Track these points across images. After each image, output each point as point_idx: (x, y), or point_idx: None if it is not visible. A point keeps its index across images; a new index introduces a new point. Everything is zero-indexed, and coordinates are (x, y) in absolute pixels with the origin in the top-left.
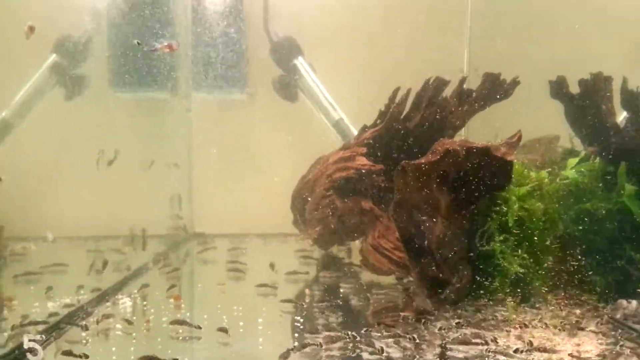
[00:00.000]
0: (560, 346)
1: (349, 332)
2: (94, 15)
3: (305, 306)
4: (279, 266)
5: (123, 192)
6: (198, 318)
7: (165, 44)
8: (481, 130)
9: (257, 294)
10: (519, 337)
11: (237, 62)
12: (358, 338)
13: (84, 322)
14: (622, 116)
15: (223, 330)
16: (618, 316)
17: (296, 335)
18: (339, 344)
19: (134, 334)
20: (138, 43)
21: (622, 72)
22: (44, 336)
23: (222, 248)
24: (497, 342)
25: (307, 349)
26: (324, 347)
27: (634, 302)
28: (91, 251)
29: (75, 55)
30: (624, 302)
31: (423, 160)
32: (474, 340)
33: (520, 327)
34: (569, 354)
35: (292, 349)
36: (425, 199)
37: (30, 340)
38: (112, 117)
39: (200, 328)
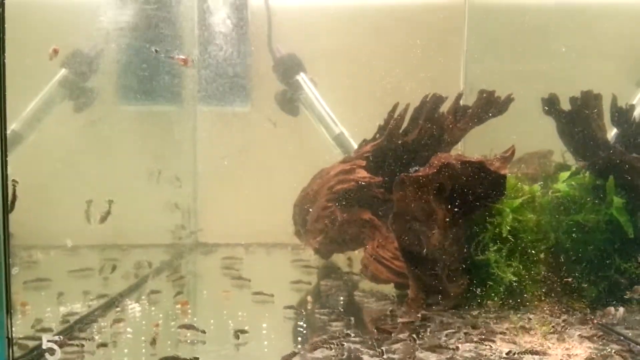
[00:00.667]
0: (551, 350)
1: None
2: (102, 31)
3: (304, 313)
4: (278, 275)
5: (130, 202)
6: (205, 323)
7: (182, 57)
8: (479, 145)
9: (258, 301)
10: (512, 341)
11: (241, 77)
12: (358, 342)
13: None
14: (613, 132)
15: (242, 332)
16: (605, 322)
17: (298, 339)
18: (338, 348)
19: (143, 338)
20: (156, 50)
21: (615, 89)
22: (62, 337)
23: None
24: (491, 346)
25: (313, 352)
26: (326, 350)
27: (621, 309)
28: (101, 259)
29: (84, 69)
30: (611, 309)
31: (421, 173)
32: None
33: (513, 333)
34: (560, 357)
35: (297, 352)
36: (423, 210)
37: (48, 341)
38: (119, 129)
39: (204, 332)
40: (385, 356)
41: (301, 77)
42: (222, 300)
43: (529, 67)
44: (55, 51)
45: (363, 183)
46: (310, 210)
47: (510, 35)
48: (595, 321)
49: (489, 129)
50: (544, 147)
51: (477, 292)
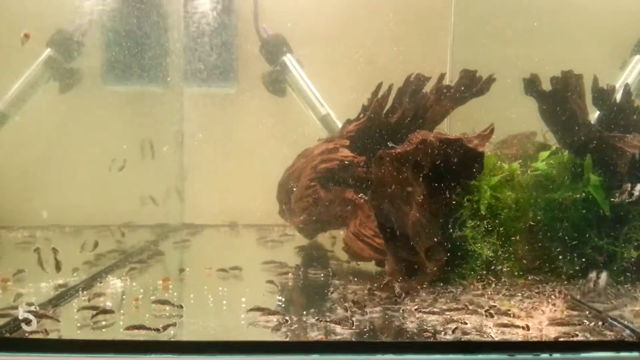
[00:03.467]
0: (520, 323)
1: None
2: (87, 10)
3: (283, 288)
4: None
5: (115, 183)
6: (186, 298)
7: None
8: (466, 127)
9: (238, 277)
10: (480, 310)
11: (227, 58)
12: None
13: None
14: (597, 113)
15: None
16: (581, 295)
17: (277, 313)
18: (316, 319)
19: (122, 311)
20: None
21: (599, 72)
22: (38, 307)
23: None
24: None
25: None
26: (304, 320)
27: (604, 274)
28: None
29: (69, 49)
30: (593, 274)
31: (399, 150)
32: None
33: (485, 305)
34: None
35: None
36: (401, 187)
37: (25, 312)
38: (104, 110)
39: (182, 307)
40: (354, 328)
41: (288, 58)
42: (205, 277)
43: (515, 49)
44: (27, 36)
45: (346, 162)
46: (294, 189)
47: (499, 17)
48: (569, 297)
49: (476, 111)
50: (533, 128)
51: (455, 268)
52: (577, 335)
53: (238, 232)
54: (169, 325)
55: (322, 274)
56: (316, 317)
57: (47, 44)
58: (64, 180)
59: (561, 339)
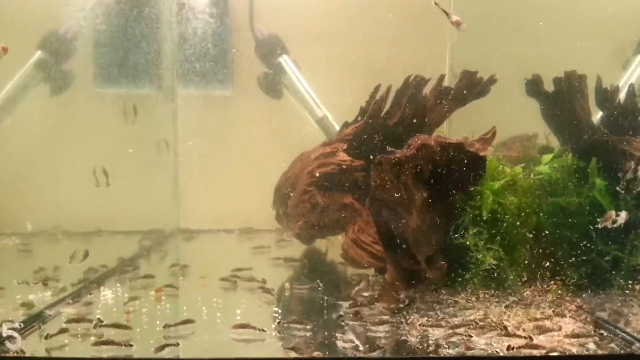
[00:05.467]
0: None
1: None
2: (78, 12)
3: (277, 297)
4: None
5: (108, 188)
6: (179, 310)
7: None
8: (466, 129)
9: (230, 288)
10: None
11: (222, 59)
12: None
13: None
14: (599, 114)
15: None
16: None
17: (273, 326)
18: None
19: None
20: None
21: (602, 72)
22: (22, 324)
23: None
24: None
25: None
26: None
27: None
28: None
29: (60, 51)
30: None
31: (398, 155)
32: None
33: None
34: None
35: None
36: (401, 192)
37: (9, 329)
38: (96, 113)
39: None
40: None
41: (284, 59)
42: (199, 288)
43: (515, 49)
44: (4, 49)
45: (344, 166)
46: (291, 194)
47: (498, 16)
48: (575, 305)
49: (476, 113)
50: (533, 129)
51: (456, 276)
52: (585, 348)
53: (233, 237)
54: (166, 345)
55: (316, 287)
56: None
57: (38, 47)
58: (56, 184)
59: (569, 353)
